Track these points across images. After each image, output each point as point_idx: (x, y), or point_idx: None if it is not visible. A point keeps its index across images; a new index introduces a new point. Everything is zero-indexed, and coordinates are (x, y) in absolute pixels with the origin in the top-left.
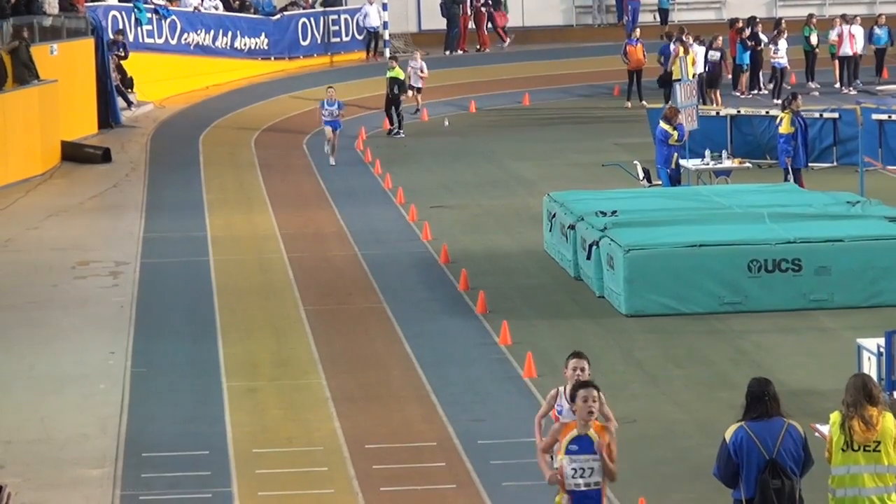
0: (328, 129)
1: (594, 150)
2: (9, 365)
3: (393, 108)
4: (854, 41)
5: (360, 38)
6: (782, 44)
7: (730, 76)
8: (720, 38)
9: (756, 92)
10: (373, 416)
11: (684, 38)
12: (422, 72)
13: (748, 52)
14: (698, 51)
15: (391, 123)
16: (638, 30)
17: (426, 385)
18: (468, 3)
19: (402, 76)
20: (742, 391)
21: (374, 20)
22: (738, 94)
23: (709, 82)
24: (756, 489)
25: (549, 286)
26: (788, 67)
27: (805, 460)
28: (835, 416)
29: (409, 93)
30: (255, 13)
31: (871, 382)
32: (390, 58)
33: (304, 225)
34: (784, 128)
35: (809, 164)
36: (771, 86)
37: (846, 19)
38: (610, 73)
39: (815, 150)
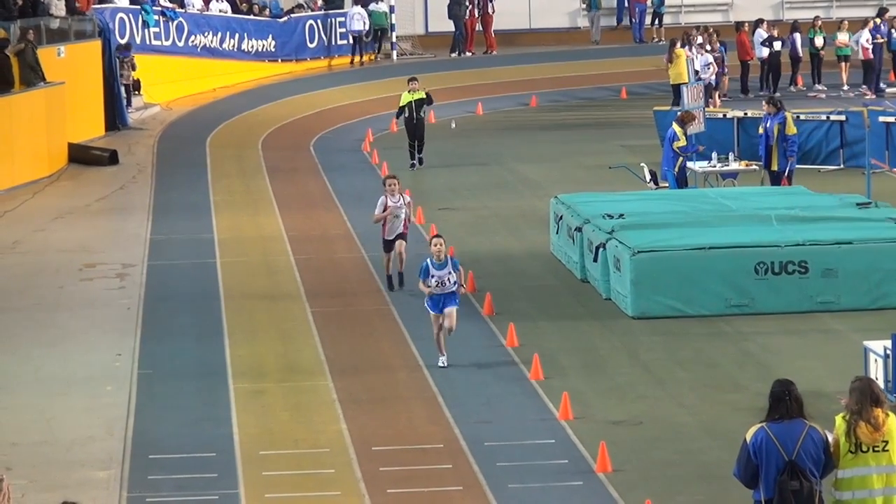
0: (434, 315)
1: (601, 153)
2: (15, 366)
3: (416, 140)
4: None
5: (344, 42)
6: (709, 56)
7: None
8: (716, 42)
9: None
10: (379, 418)
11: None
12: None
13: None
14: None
15: (413, 157)
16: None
17: (433, 387)
18: (475, 5)
19: (423, 96)
20: (748, 393)
21: (357, 24)
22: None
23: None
24: (775, 490)
25: (555, 288)
26: (714, 84)
27: (825, 463)
28: (840, 424)
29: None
30: (267, 15)
31: (875, 385)
32: (411, 79)
33: (310, 227)
34: (789, 128)
35: (818, 167)
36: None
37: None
38: (616, 75)
39: (822, 153)
